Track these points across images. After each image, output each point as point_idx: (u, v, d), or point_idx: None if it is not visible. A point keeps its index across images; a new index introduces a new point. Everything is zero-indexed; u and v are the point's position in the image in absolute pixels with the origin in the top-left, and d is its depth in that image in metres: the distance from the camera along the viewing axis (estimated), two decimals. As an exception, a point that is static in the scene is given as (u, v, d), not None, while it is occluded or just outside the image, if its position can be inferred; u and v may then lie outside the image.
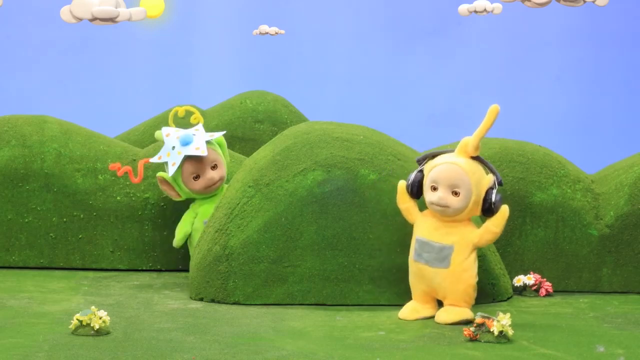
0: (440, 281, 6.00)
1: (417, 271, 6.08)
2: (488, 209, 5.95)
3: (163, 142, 7.34)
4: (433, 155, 6.12)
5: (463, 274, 5.98)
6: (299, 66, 13.19)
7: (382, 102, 13.02)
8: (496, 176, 6.00)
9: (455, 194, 5.92)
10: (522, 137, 7.52)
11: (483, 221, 6.10)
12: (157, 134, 7.42)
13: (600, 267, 6.95)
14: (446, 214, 5.97)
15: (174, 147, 7.22)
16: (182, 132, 7.29)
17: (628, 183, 7.00)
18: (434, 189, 5.97)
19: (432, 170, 5.99)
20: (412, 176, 6.11)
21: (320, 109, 11.01)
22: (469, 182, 5.90)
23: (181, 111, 7.71)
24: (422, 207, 6.20)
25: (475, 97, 12.76)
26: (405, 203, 6.17)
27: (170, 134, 7.31)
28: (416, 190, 6.09)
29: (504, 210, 5.95)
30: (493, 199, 5.93)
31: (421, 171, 6.10)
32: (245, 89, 10.75)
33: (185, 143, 7.20)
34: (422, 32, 13.10)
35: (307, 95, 12.01)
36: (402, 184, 6.17)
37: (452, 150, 6.10)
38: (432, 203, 5.98)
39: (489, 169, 6.04)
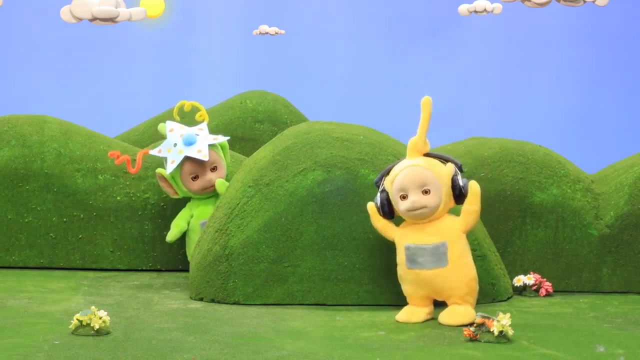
0: (441, 281, 5.99)
1: (414, 278, 6.06)
2: (459, 195, 6.00)
3: (165, 136, 7.34)
4: (387, 171, 6.14)
5: (463, 268, 5.98)
6: (299, 66, 13.19)
7: (382, 102, 13.02)
8: (454, 162, 6.05)
9: (426, 192, 5.95)
10: (522, 137, 7.53)
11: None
12: (160, 126, 7.41)
13: (600, 267, 6.95)
14: (425, 215, 5.99)
15: (175, 145, 7.22)
16: (186, 131, 7.28)
17: (628, 183, 7.00)
18: (404, 197, 5.99)
19: (395, 181, 6.01)
20: (378, 198, 6.11)
21: (320, 109, 11.01)
22: (434, 177, 5.96)
23: (187, 105, 7.70)
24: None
25: (475, 97, 12.76)
26: (380, 221, 6.17)
27: (174, 130, 7.30)
28: (388, 210, 6.09)
29: (474, 187, 6.00)
30: (461, 184, 5.99)
31: (383, 190, 6.10)
32: (245, 89, 10.74)
33: (188, 143, 7.19)
34: (422, 32, 13.09)
35: (307, 95, 12.01)
36: (371, 205, 6.17)
37: (402, 159, 6.14)
38: (408, 210, 5.98)
39: (444, 159, 6.09)
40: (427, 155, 6.10)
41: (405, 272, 6.08)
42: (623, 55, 12.90)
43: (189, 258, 7.20)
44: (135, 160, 7.42)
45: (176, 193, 7.32)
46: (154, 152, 7.30)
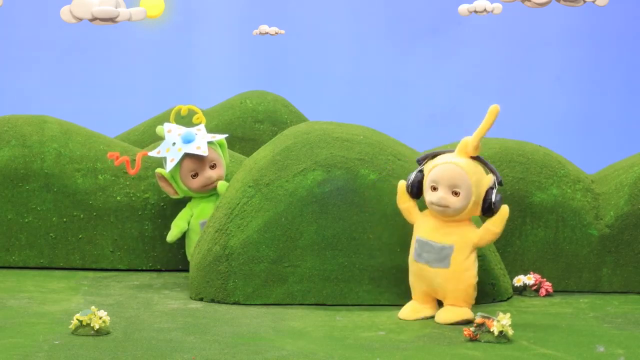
0: (440, 281, 6.00)
1: (418, 271, 6.08)
2: (488, 209, 5.95)
3: (164, 138, 7.35)
4: (433, 155, 6.12)
5: (463, 273, 5.98)
6: (299, 66, 13.19)
7: (382, 102, 13.02)
8: (496, 176, 6.00)
9: (455, 194, 5.92)
10: (522, 137, 7.52)
11: (483, 221, 6.10)
12: (158, 129, 7.42)
13: (600, 267, 6.95)
14: (446, 214, 5.97)
15: (174, 144, 7.23)
16: (184, 130, 7.30)
17: (628, 183, 7.00)
18: (434, 189, 5.97)
19: (432, 170, 5.99)
20: (412, 176, 6.10)
21: (320, 109, 11.02)
22: (469, 182, 5.90)
23: (184, 109, 7.71)
24: (422, 207, 6.20)
25: (475, 97, 12.76)
26: (405, 203, 6.17)
27: (172, 130, 7.32)
28: (416, 191, 6.09)
29: (504, 211, 5.95)
30: (493, 199, 5.93)
31: (421, 171, 6.09)
32: (245, 89, 10.74)
33: (187, 141, 7.21)
34: (422, 32, 13.10)
35: (307, 95, 12.01)
36: (402, 184, 6.17)
37: (453, 150, 6.10)
38: (432, 203, 5.97)
39: (489, 168, 6.04)
40: (474, 158, 6.04)
41: (411, 263, 6.12)
42: (623, 55, 12.90)
43: (189, 258, 7.20)
44: (134, 161, 7.42)
45: (176, 193, 7.32)
46: (152, 153, 7.31)
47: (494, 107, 5.95)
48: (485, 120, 5.96)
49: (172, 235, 7.27)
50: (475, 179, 5.92)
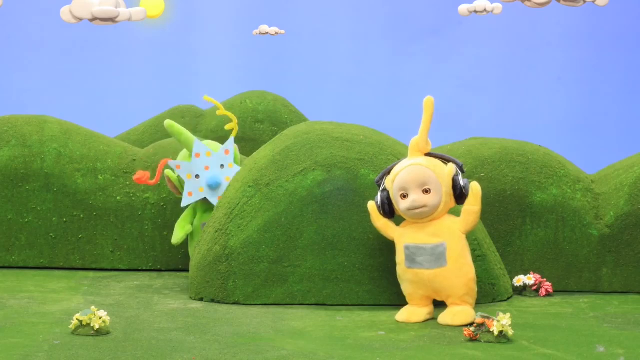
0: (441, 281, 5.99)
1: (414, 277, 6.06)
2: (460, 195, 6.00)
3: (172, 134, 7.27)
4: (388, 171, 6.15)
5: (462, 268, 5.98)
6: (299, 66, 13.20)
7: (382, 102, 13.03)
8: (455, 163, 6.06)
9: (426, 191, 5.96)
10: (522, 137, 7.53)
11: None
12: (167, 124, 7.21)
13: (600, 267, 6.95)
14: (425, 214, 5.99)
15: (197, 177, 7.14)
16: (214, 170, 7.17)
17: (628, 183, 7.01)
18: (404, 196, 5.99)
19: (396, 180, 6.02)
20: (379, 198, 6.11)
21: (320, 109, 11.03)
22: (435, 176, 5.96)
23: (221, 111, 7.60)
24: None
25: (475, 97, 12.76)
26: (380, 220, 6.17)
27: (200, 156, 7.17)
28: (388, 209, 6.10)
29: (475, 187, 6.00)
30: (462, 184, 5.99)
31: (384, 189, 6.11)
32: (245, 89, 10.75)
33: (213, 185, 7.11)
34: (422, 32, 13.10)
35: (307, 95, 12.02)
36: (372, 204, 6.18)
37: (403, 159, 6.15)
38: (408, 209, 5.99)
39: (445, 159, 6.10)
40: (428, 155, 6.11)
41: (404, 272, 6.08)
42: (623, 55, 12.91)
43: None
44: (154, 171, 7.36)
45: (180, 194, 7.31)
46: (172, 163, 7.20)
47: (428, 99, 6.07)
48: (424, 114, 6.07)
49: (177, 238, 7.23)
50: (438, 172, 5.99)
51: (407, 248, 6.03)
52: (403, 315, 6.08)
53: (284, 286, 6.41)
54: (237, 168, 7.23)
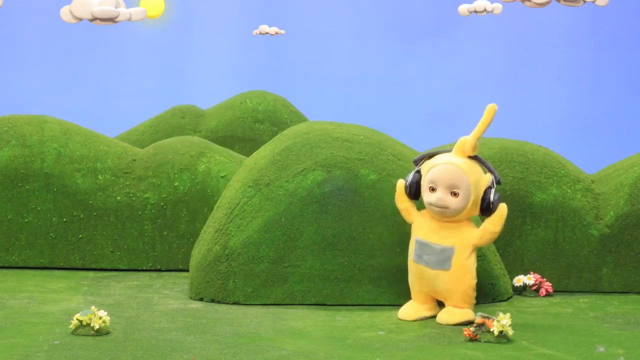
0: (441, 283, 5.99)
1: (418, 272, 6.07)
2: (486, 209, 5.94)
3: None
4: (430, 156, 6.10)
5: (464, 276, 5.97)
6: (299, 66, 13.21)
7: (382, 102, 13.03)
8: (494, 175, 5.98)
9: (454, 194, 5.90)
10: (522, 137, 7.52)
11: (482, 220, 6.10)
12: None
13: (600, 267, 6.95)
14: (445, 215, 5.96)
15: None
16: None
17: (628, 183, 7.00)
18: (433, 189, 5.95)
19: (430, 171, 5.98)
20: (410, 177, 6.09)
21: (320, 109, 11.03)
22: (468, 182, 5.89)
23: None
24: (420, 207, 6.20)
25: (475, 97, 12.76)
26: (403, 202, 6.16)
27: None
28: (414, 192, 6.08)
29: (502, 209, 5.93)
30: (491, 199, 5.91)
31: (419, 172, 6.08)
32: (245, 89, 10.76)
33: None
34: (422, 32, 13.11)
35: (307, 95, 12.03)
36: (400, 183, 6.16)
37: (450, 150, 6.09)
38: (430, 204, 5.96)
39: (487, 168, 6.03)
40: (472, 158, 6.03)
41: (411, 264, 6.10)
42: (623, 55, 12.91)
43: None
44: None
45: None
46: None
47: (491, 106, 5.94)
48: (483, 119, 5.95)
49: None
50: (474, 179, 5.91)
51: (417, 242, 6.03)
52: (404, 311, 6.08)
53: (284, 286, 6.41)
54: None
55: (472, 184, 5.89)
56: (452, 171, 5.90)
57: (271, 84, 11.30)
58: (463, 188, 5.88)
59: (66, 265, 7.61)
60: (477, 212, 6.00)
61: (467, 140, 5.98)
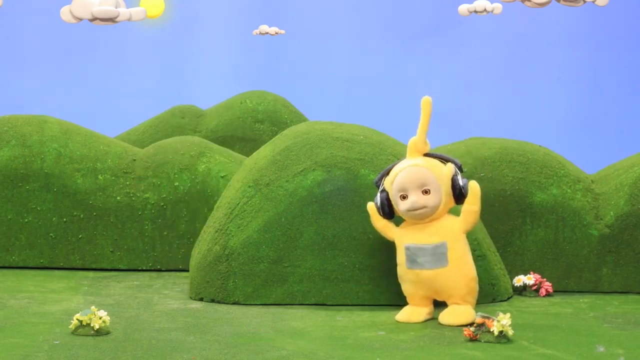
0: (441, 281, 5.99)
1: (415, 278, 6.05)
2: (459, 195, 6.00)
3: None
4: (387, 172, 6.14)
5: (463, 267, 5.98)
6: (299, 66, 13.21)
7: (382, 102, 13.04)
8: (454, 162, 6.06)
9: (426, 192, 5.96)
10: (522, 137, 7.53)
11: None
12: None
13: (600, 267, 6.96)
14: (426, 215, 5.98)
15: None
16: None
17: (628, 183, 7.01)
18: (404, 197, 5.99)
19: (395, 181, 6.01)
20: (378, 198, 6.10)
21: (320, 109, 11.03)
22: (434, 177, 5.96)
23: None
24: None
25: (475, 97, 12.77)
26: (380, 221, 6.16)
27: None
28: (388, 210, 6.09)
29: (474, 187, 5.99)
30: (461, 183, 5.99)
31: (383, 190, 6.10)
32: (245, 89, 10.76)
33: None
34: (423, 32, 13.11)
35: (307, 95, 12.03)
36: (371, 205, 6.17)
37: (401, 160, 6.14)
38: (408, 210, 5.98)
39: (444, 159, 6.09)
40: (427, 155, 6.11)
41: (405, 272, 6.08)
42: (623, 55, 12.92)
43: None
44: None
45: None
46: None
47: (425, 99, 6.06)
48: (422, 114, 6.05)
49: None
50: (437, 172, 5.98)
51: (407, 249, 6.03)
52: (403, 315, 6.08)
53: (284, 286, 6.41)
54: None
55: (438, 177, 5.96)
56: (416, 171, 5.97)
57: (271, 84, 11.31)
58: (432, 183, 5.94)
59: (66, 265, 7.61)
60: (452, 202, 6.04)
61: (416, 140, 6.07)
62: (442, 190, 5.96)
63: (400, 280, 6.14)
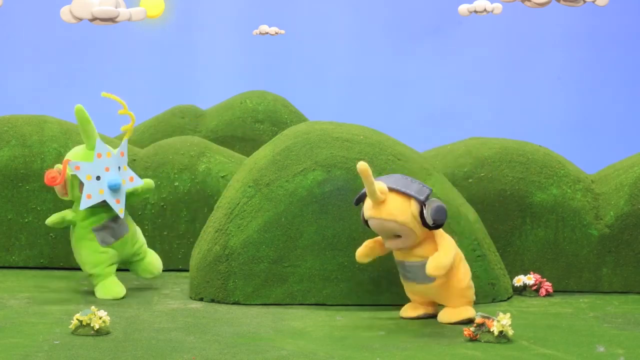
0: (435, 293, 6.00)
1: (409, 287, 6.10)
2: (428, 226, 5.85)
3: (84, 121, 6.70)
4: (362, 197, 5.99)
5: (453, 278, 5.93)
6: (299, 66, 13.21)
7: (382, 102, 13.03)
8: (416, 198, 5.83)
9: (397, 236, 5.91)
10: (522, 137, 7.53)
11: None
12: (77, 108, 6.76)
13: (600, 267, 6.95)
14: (407, 249, 5.96)
15: (98, 178, 6.57)
16: (113, 172, 6.61)
17: (628, 183, 7.00)
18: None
19: (369, 221, 5.95)
20: (362, 219, 6.03)
21: (320, 109, 11.02)
22: (398, 225, 5.83)
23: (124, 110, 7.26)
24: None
25: (475, 97, 12.77)
26: (375, 249, 6.08)
27: (101, 156, 6.61)
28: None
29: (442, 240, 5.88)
30: (431, 217, 5.79)
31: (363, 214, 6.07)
32: (245, 89, 10.75)
33: (115, 187, 6.55)
34: (423, 32, 13.11)
35: (307, 95, 12.02)
36: (360, 252, 6.08)
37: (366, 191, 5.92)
38: (387, 248, 6.02)
39: (406, 195, 5.87)
40: (390, 190, 5.87)
41: (402, 280, 6.13)
42: (623, 55, 12.91)
43: (81, 266, 6.77)
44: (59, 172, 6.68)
45: (66, 194, 6.71)
46: (72, 164, 6.59)
47: (361, 166, 5.67)
48: (364, 181, 5.75)
49: (50, 220, 6.68)
50: (402, 219, 5.82)
51: (398, 264, 6.07)
52: (405, 310, 6.11)
53: (284, 286, 6.41)
54: (130, 172, 6.78)
55: (402, 222, 5.82)
56: (380, 224, 5.88)
57: (271, 84, 11.30)
58: (399, 229, 5.86)
59: (66, 265, 7.61)
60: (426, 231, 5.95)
61: (372, 201, 5.85)
62: (414, 228, 5.85)
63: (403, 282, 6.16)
